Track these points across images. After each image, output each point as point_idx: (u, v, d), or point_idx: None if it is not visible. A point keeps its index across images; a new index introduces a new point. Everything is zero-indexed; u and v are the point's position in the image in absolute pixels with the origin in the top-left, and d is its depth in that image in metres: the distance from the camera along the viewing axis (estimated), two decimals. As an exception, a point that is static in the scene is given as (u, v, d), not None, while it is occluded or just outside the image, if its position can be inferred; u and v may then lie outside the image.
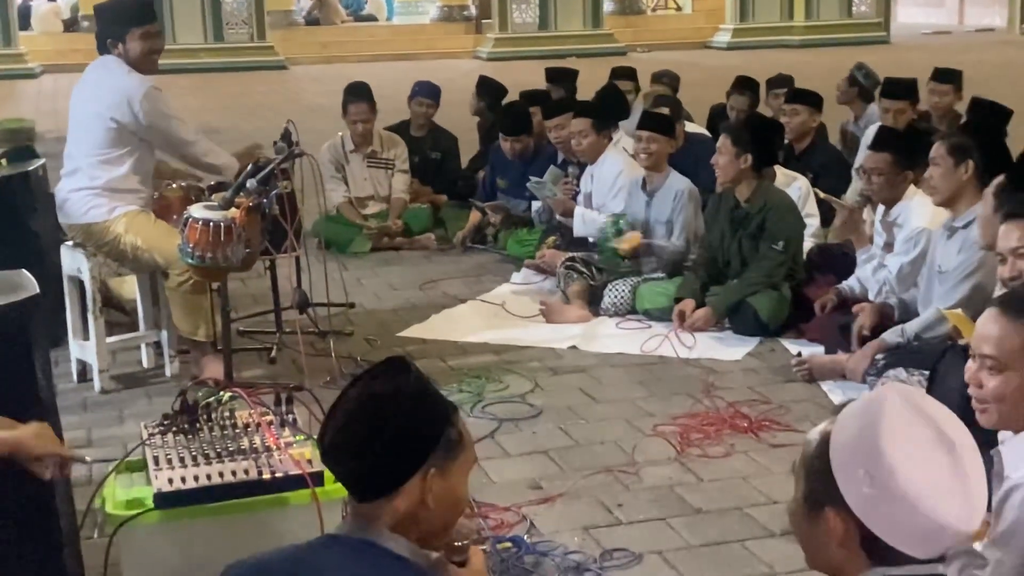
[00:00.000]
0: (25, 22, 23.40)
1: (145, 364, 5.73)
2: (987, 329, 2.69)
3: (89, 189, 5.34)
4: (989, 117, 6.52)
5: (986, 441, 2.61)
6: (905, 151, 5.66)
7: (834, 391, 5.18)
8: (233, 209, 4.72)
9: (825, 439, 1.98)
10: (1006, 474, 2.56)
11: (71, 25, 24.51)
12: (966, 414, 2.11)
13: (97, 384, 5.39)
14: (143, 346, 5.74)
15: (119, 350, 5.63)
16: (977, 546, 2.67)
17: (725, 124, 6.44)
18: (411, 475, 2.07)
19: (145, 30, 5.39)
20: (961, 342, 4.19)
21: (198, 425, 3.49)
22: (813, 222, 6.76)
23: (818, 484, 1.96)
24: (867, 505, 1.90)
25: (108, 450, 4.66)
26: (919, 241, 5.40)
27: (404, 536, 2.09)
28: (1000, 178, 4.42)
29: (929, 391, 3.79)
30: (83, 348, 5.42)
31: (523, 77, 9.88)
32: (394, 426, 2.05)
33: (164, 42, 5.61)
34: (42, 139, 11.57)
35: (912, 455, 1.88)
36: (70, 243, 5.51)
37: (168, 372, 5.58)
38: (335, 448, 2.08)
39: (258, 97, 17.92)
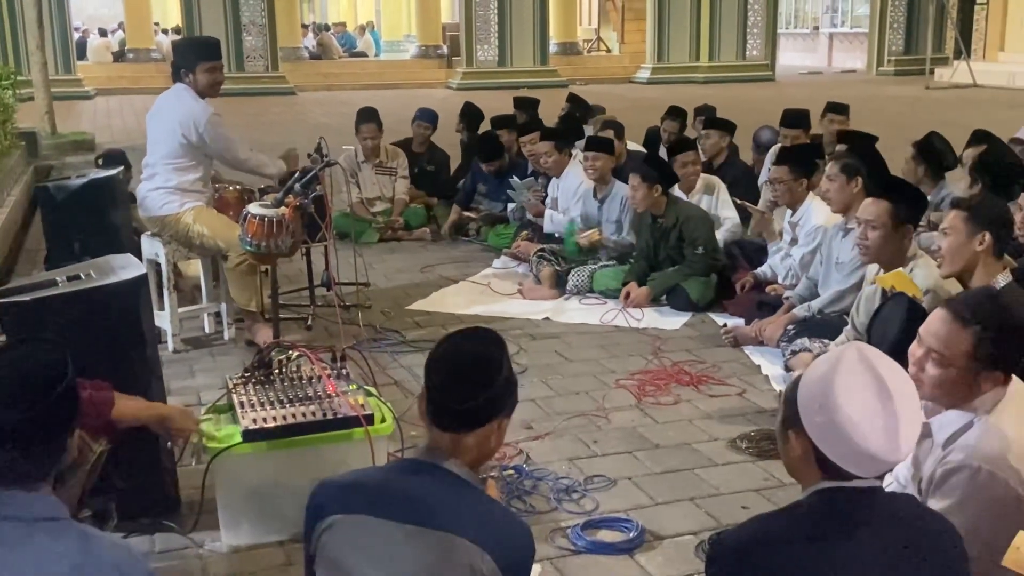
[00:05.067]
0: (81, 53, 23.10)
1: (207, 330, 5.71)
2: (938, 328, 2.49)
3: (164, 189, 5.34)
4: (862, 142, 6.55)
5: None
6: (799, 164, 5.78)
7: (754, 354, 5.26)
8: (283, 207, 4.74)
9: (798, 379, 2.08)
10: (936, 441, 2.54)
11: (119, 57, 24.24)
12: (894, 356, 2.16)
13: (170, 345, 5.38)
14: (205, 316, 5.73)
15: (185, 319, 5.62)
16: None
17: (631, 166, 6.44)
18: (493, 419, 2.14)
19: (212, 65, 5.37)
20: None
21: (272, 377, 3.55)
22: (733, 217, 6.71)
23: (789, 411, 2.06)
24: (818, 430, 1.99)
25: (186, 398, 4.68)
26: (817, 236, 5.51)
27: (464, 463, 2.15)
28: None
29: (870, 330, 3.67)
30: (158, 317, 5.40)
31: (486, 103, 9.84)
32: (502, 381, 2.13)
33: (223, 76, 5.57)
34: (100, 149, 11.37)
35: (854, 397, 1.97)
36: (148, 233, 5.50)
37: (226, 336, 5.58)
38: (447, 387, 2.11)
39: (272, 117, 17.73)
